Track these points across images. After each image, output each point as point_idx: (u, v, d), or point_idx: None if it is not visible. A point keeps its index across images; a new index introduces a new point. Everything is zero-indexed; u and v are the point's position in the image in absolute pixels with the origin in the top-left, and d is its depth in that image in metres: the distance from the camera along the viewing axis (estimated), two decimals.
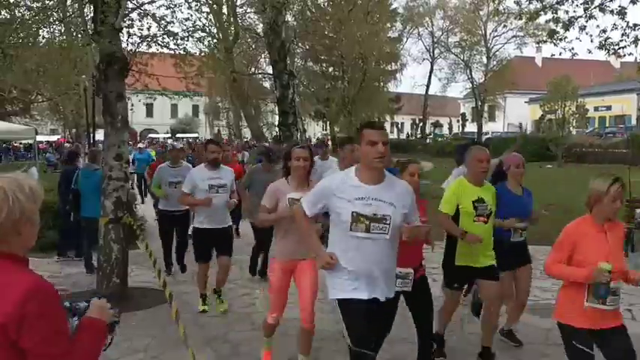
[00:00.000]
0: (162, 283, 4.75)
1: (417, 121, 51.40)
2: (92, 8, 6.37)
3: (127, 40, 6.83)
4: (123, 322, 5.22)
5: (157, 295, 6.53)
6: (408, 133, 58.82)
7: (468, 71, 45.90)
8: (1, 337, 1.62)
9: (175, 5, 7.03)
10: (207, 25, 8.16)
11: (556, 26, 9.75)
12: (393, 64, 37.42)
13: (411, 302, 4.24)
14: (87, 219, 7.61)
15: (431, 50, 45.86)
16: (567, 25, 9.56)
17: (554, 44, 9.93)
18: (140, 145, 21.42)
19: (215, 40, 9.15)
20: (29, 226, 1.76)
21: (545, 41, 10.72)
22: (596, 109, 41.85)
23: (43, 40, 8.52)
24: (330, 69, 33.47)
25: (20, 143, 40.08)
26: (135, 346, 4.92)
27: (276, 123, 16.15)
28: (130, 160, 15.47)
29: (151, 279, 7.03)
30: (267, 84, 30.75)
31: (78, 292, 6.29)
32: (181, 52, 7.26)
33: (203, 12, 7.53)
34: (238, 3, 12.83)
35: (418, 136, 50.55)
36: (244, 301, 6.35)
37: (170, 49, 7.24)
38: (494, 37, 45.06)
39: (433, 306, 4.28)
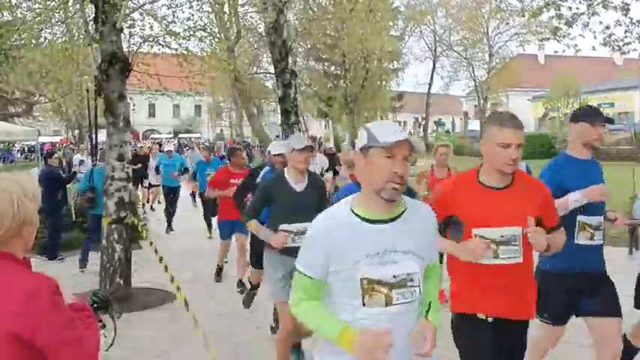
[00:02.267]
0: (175, 286, 4.75)
1: (420, 120, 51.35)
2: (93, 8, 6.36)
3: (129, 40, 6.85)
4: (126, 322, 5.24)
5: (160, 295, 6.54)
6: (410, 132, 58.80)
7: (471, 69, 45.80)
8: (10, 338, 1.62)
9: (177, 5, 7.04)
10: (208, 24, 8.17)
11: (559, 23, 9.71)
12: (395, 62, 37.35)
13: None
14: (98, 216, 7.68)
15: (433, 48, 45.77)
16: (570, 21, 9.52)
17: (558, 41, 9.90)
18: (168, 147, 13.53)
19: (217, 40, 9.14)
20: (30, 228, 1.78)
21: (548, 38, 10.69)
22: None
23: (46, 42, 8.54)
24: (332, 68, 33.43)
25: (24, 144, 40.20)
26: (138, 345, 4.91)
27: (278, 122, 16.13)
28: (154, 168, 12.92)
29: (153, 279, 7.03)
30: (269, 83, 30.76)
31: (80, 293, 6.29)
32: (183, 51, 7.27)
33: (204, 11, 7.53)
34: (240, 2, 12.83)
35: (420, 135, 50.47)
36: None
37: (172, 48, 7.25)
38: (496, 34, 44.95)
39: None
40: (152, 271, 7.30)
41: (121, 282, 6.31)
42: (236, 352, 4.78)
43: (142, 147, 15.95)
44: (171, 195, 11.44)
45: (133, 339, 5.00)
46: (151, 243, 5.92)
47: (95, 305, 2.07)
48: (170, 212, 11.34)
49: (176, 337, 5.12)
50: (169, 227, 11.21)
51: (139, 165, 13.23)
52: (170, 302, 6.25)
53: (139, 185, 13.94)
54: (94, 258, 7.58)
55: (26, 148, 42.02)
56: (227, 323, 5.54)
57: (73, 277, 7.53)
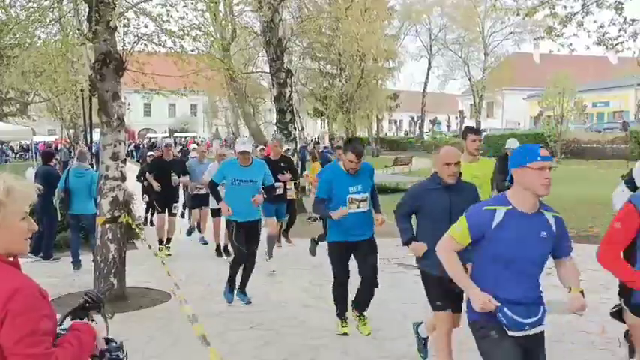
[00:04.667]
0: (178, 292, 4.74)
1: (416, 119, 51.42)
2: (87, 7, 6.34)
3: (123, 38, 6.82)
4: (120, 322, 5.23)
5: (154, 294, 6.53)
6: (406, 131, 58.85)
7: (466, 68, 45.91)
8: None
9: (171, 4, 7.02)
10: (203, 23, 8.16)
11: (554, 22, 9.76)
12: (390, 61, 37.38)
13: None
14: (76, 216, 8.05)
15: (428, 47, 45.84)
16: (565, 20, 9.57)
17: (552, 40, 9.95)
18: (242, 146, 6.10)
19: (212, 39, 9.12)
20: (2, 228, 1.73)
21: (542, 37, 10.73)
22: (594, 104, 41.86)
23: (40, 41, 8.51)
24: (328, 67, 33.44)
25: (18, 144, 40.12)
26: (132, 346, 4.89)
27: (274, 121, 16.13)
28: (189, 181, 8.75)
29: (148, 279, 7.02)
30: (264, 82, 30.72)
31: (75, 293, 6.28)
32: (178, 50, 7.26)
33: (198, 10, 7.51)
34: (235, 1, 12.82)
35: (416, 133, 50.58)
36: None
37: (166, 47, 7.24)
38: (491, 33, 45.08)
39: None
40: (147, 270, 7.29)
41: (115, 282, 6.28)
42: (231, 352, 4.78)
43: (168, 146, 9.33)
44: (251, 239, 6.04)
45: (128, 339, 4.98)
46: (150, 246, 5.93)
47: (87, 305, 2.07)
48: (242, 267, 6.05)
49: (171, 337, 5.11)
50: (240, 291, 6.08)
51: (176, 179, 8.61)
52: (165, 302, 6.24)
53: (166, 212, 8.80)
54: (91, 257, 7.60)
55: (17, 147, 41.95)
56: (222, 323, 5.53)
57: (69, 276, 7.51)
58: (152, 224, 10.46)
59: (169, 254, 8.61)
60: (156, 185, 8.66)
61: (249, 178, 5.97)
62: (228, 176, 6.01)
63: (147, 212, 11.43)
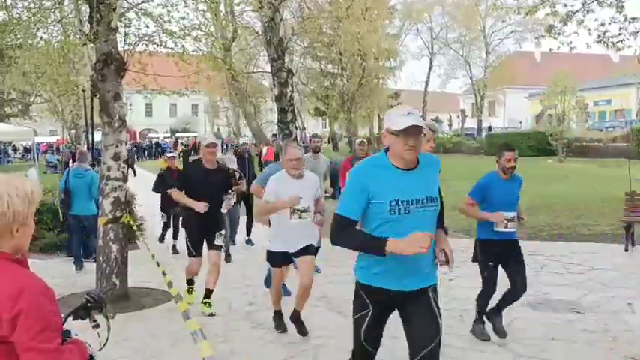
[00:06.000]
0: (167, 283, 4.75)
1: None
2: (88, 8, 6.35)
3: (124, 39, 6.84)
4: (122, 321, 5.23)
5: (156, 294, 6.55)
6: None
7: (468, 67, 45.91)
8: None
9: (172, 5, 7.03)
10: (204, 23, 8.18)
11: (554, 20, 9.78)
12: (392, 60, 37.37)
13: None
14: (76, 217, 8.07)
15: (430, 46, 45.84)
16: (565, 19, 9.57)
17: (554, 38, 9.96)
18: (412, 115, 2.66)
19: (213, 39, 9.15)
20: (23, 229, 1.78)
21: (543, 36, 10.74)
22: (595, 103, 41.83)
23: (41, 42, 8.53)
24: (329, 66, 33.46)
25: (21, 145, 40.26)
26: (134, 345, 4.92)
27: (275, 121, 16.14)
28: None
29: (150, 279, 7.03)
30: (266, 82, 30.78)
31: (78, 293, 6.29)
32: (179, 51, 7.27)
33: (199, 10, 7.53)
34: (236, 1, 12.84)
35: None
36: (243, 301, 6.34)
37: (167, 47, 7.25)
38: (493, 32, 45.08)
39: None
40: (149, 270, 7.30)
41: (117, 282, 6.30)
42: (231, 352, 4.79)
43: (211, 145, 5.66)
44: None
45: (130, 339, 5.01)
46: (148, 248, 5.94)
47: (89, 305, 2.08)
48: None
49: (173, 337, 5.12)
50: None
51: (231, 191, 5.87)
52: (167, 302, 6.25)
53: (202, 252, 5.84)
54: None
55: (21, 149, 42.11)
56: (223, 323, 5.54)
57: (72, 277, 7.53)
58: (176, 251, 8.55)
59: (212, 313, 5.63)
60: (202, 206, 5.43)
61: (425, 194, 2.73)
62: (379, 194, 2.68)
63: (163, 237, 9.21)
